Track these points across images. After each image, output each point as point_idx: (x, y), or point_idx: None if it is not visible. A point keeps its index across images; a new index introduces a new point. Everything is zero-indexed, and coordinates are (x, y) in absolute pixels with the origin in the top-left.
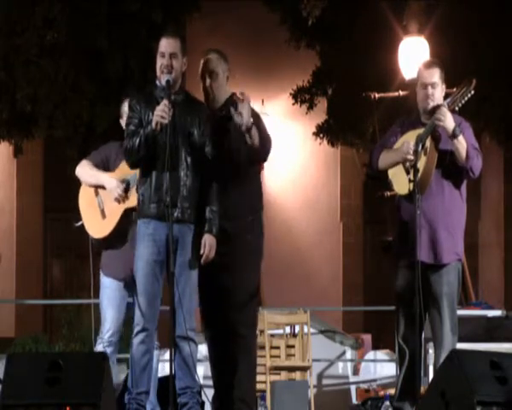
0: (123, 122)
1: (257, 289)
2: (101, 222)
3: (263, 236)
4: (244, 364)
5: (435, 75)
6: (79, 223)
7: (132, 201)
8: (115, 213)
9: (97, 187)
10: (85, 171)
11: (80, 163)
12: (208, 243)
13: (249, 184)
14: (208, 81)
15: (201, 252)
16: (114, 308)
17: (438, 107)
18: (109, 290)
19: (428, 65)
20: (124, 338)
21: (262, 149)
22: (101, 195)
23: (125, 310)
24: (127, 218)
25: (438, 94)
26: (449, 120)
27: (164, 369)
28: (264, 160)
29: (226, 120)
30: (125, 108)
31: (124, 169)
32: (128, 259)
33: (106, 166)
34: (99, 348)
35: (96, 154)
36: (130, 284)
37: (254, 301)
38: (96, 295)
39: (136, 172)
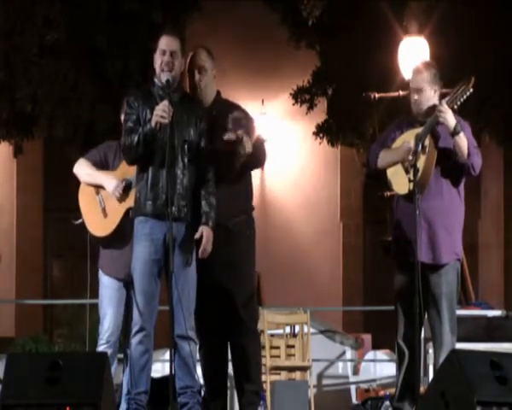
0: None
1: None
2: (103, 220)
3: (255, 233)
4: (255, 357)
5: (422, 81)
6: (79, 221)
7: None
8: (117, 212)
9: (97, 186)
10: (83, 170)
11: (78, 162)
12: (206, 234)
13: (243, 184)
14: (197, 76)
15: (200, 245)
16: (114, 308)
17: (437, 105)
18: (110, 290)
19: (416, 70)
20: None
21: (256, 159)
22: (102, 193)
23: (123, 309)
24: (129, 218)
25: (424, 99)
26: (450, 117)
27: (164, 369)
28: (259, 167)
29: (217, 121)
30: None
31: (125, 169)
32: (128, 259)
33: (104, 165)
34: (100, 349)
35: (95, 152)
36: (128, 284)
37: (255, 296)
38: (94, 294)
39: None
